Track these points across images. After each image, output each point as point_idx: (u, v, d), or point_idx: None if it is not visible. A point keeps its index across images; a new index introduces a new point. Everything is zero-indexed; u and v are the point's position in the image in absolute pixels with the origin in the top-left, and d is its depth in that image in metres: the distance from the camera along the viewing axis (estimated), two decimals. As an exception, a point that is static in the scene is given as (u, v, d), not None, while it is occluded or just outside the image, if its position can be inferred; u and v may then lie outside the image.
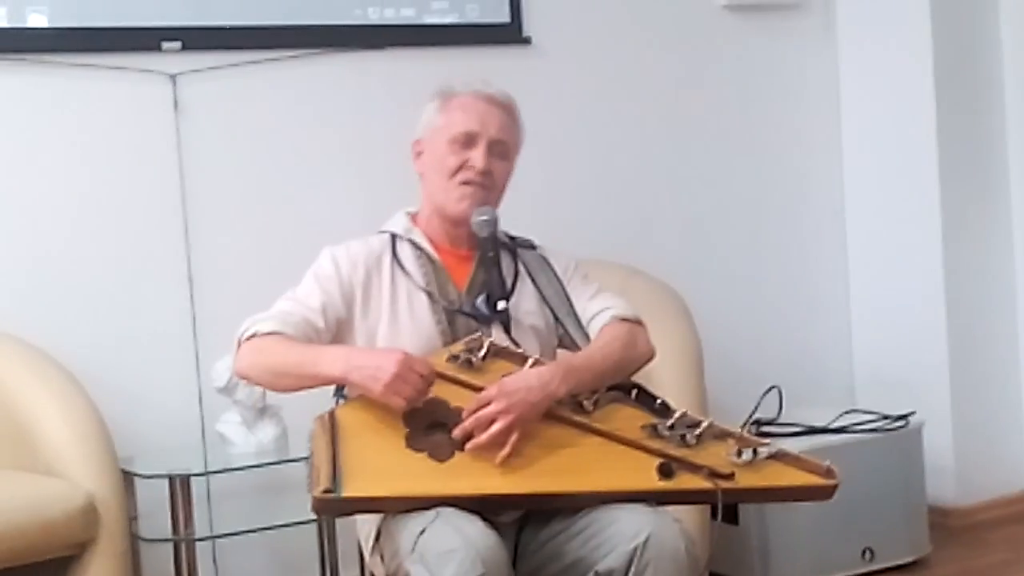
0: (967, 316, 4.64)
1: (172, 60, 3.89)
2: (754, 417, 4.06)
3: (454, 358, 2.77)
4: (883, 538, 4.12)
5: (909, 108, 4.64)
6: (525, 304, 2.93)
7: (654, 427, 2.75)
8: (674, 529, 2.64)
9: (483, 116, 2.92)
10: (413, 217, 3.00)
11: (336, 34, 4.10)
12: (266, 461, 3.70)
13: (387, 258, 2.92)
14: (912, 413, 4.25)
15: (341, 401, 2.85)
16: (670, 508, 2.73)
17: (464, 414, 2.70)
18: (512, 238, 3.01)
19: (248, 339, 2.83)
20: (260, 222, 4.03)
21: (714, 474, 2.68)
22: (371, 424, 2.70)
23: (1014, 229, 4.73)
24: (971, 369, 4.65)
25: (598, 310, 2.94)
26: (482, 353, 2.76)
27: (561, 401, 2.74)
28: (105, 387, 3.64)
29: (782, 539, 4.01)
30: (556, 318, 2.93)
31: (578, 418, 2.75)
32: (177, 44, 3.89)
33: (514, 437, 2.67)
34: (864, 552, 4.11)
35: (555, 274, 2.97)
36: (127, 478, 3.53)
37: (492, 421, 2.67)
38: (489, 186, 2.91)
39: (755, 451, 2.73)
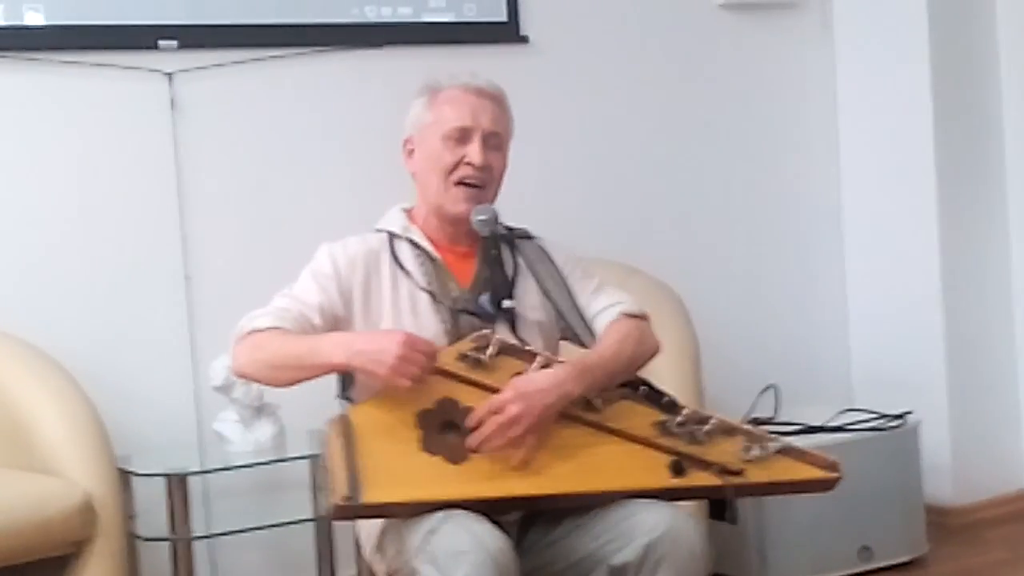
0: (964, 315, 4.65)
1: (169, 58, 3.89)
2: (752, 416, 4.07)
3: (463, 357, 2.74)
4: (881, 537, 4.12)
5: (906, 108, 4.64)
6: (528, 299, 2.90)
7: (664, 424, 2.75)
8: (690, 525, 2.65)
9: (475, 109, 2.88)
10: (409, 213, 2.96)
11: (333, 32, 4.10)
12: (263, 460, 3.69)
13: (386, 257, 2.88)
14: (909, 412, 4.25)
15: (345, 403, 2.83)
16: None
17: (477, 417, 2.66)
18: (510, 229, 2.97)
19: (246, 336, 2.79)
20: (257, 220, 4.02)
21: (725, 471, 2.70)
22: (385, 426, 2.67)
23: (1011, 228, 4.73)
24: (968, 368, 4.65)
25: (604, 306, 2.92)
26: (491, 351, 2.73)
27: (573, 400, 2.73)
28: (102, 385, 3.63)
29: (780, 538, 4.01)
30: (559, 312, 2.91)
31: (590, 417, 2.74)
32: (174, 42, 3.89)
33: (531, 440, 2.65)
34: (862, 551, 4.11)
35: (555, 266, 2.94)
36: (124, 477, 3.52)
37: (509, 425, 2.65)
38: (487, 181, 2.88)
39: (763, 446, 2.75)
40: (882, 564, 4.14)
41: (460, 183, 2.86)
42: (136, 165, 3.89)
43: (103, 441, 3.42)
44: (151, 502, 3.61)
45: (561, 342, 2.97)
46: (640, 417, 2.77)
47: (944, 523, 4.51)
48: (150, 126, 3.89)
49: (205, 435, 3.88)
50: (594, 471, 2.69)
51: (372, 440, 2.65)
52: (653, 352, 2.91)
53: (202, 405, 3.89)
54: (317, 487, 3.72)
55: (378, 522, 2.79)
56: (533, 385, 2.68)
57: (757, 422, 4.07)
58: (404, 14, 4.18)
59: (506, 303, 2.84)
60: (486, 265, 2.89)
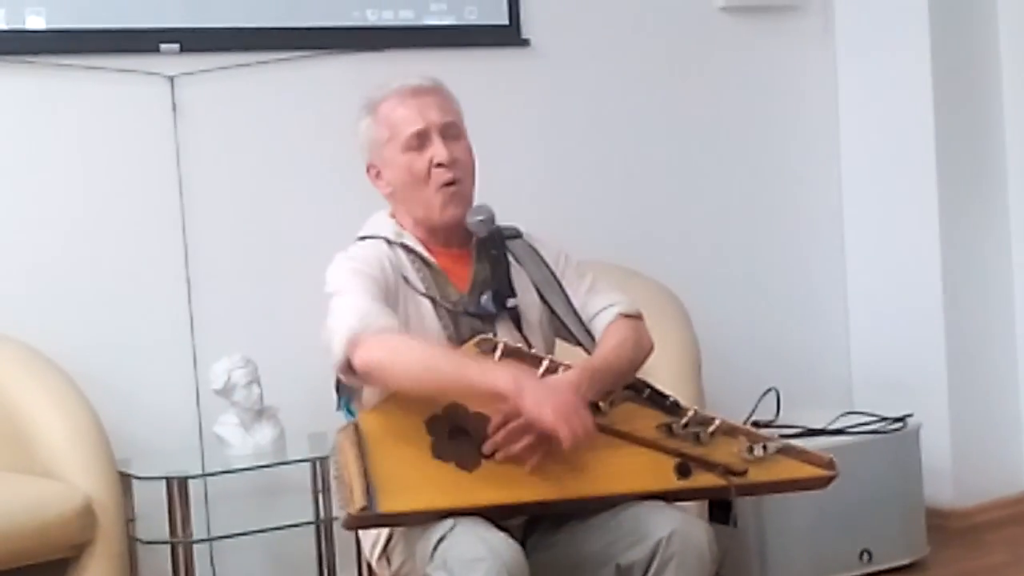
0: (965, 318, 4.65)
1: (170, 62, 3.89)
2: (752, 419, 4.07)
3: None
4: (881, 540, 4.12)
5: (907, 110, 4.64)
6: (525, 298, 2.89)
7: (669, 427, 2.76)
8: (700, 526, 2.67)
9: (420, 109, 2.85)
10: (397, 219, 2.92)
11: (335, 36, 4.10)
12: (264, 463, 3.69)
13: (395, 263, 2.85)
14: (910, 415, 4.25)
15: (348, 415, 2.81)
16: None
17: (491, 427, 2.64)
18: (500, 228, 2.94)
19: (371, 335, 2.63)
20: (258, 224, 4.02)
21: (729, 471, 2.72)
22: (395, 433, 2.66)
23: (1012, 231, 4.73)
24: (969, 371, 4.65)
25: (601, 307, 2.91)
26: (497, 355, 2.72)
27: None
28: (103, 389, 3.63)
29: (780, 541, 4.01)
30: (554, 312, 2.90)
31: (598, 420, 2.73)
32: (175, 46, 3.89)
33: (543, 444, 2.63)
34: (862, 554, 4.11)
35: (546, 264, 2.93)
36: (124, 480, 3.53)
37: (524, 431, 2.63)
38: (463, 175, 2.86)
39: (765, 447, 2.77)
40: (882, 567, 4.14)
41: (441, 187, 2.83)
42: (138, 168, 3.90)
43: (103, 444, 3.42)
44: (151, 505, 3.62)
45: (558, 341, 2.97)
46: (644, 420, 2.77)
47: (944, 526, 4.51)
48: (152, 129, 3.90)
49: (205, 438, 3.88)
50: (602, 475, 2.70)
51: (384, 448, 2.64)
52: (649, 351, 2.91)
53: (202, 408, 3.89)
54: (318, 491, 3.73)
55: (383, 529, 2.78)
56: (548, 391, 2.63)
57: (758, 425, 4.07)
58: (405, 18, 4.19)
59: (510, 302, 2.84)
60: (485, 265, 2.88)
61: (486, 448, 2.65)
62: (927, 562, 4.24)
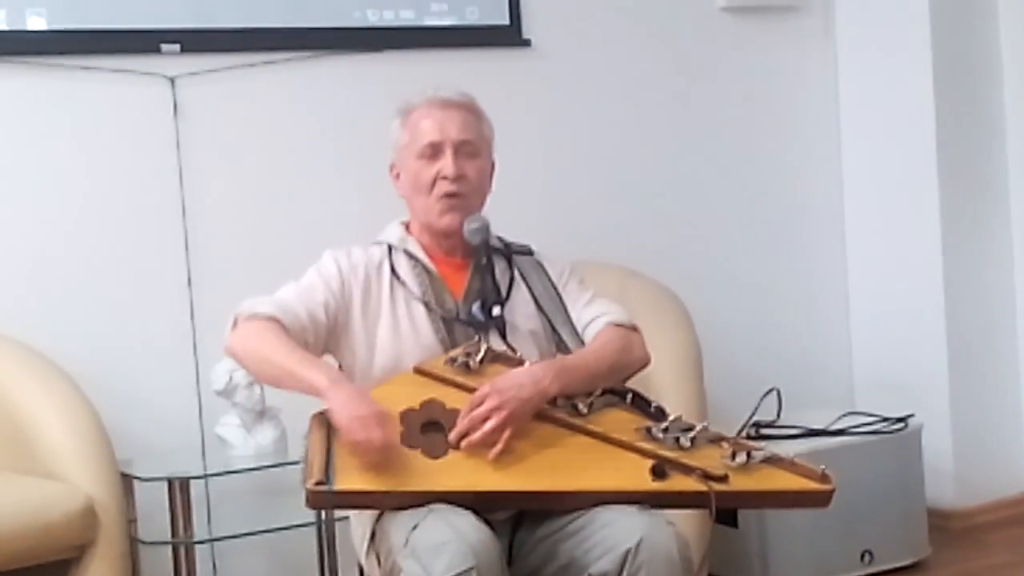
0: (966, 318, 4.64)
1: (171, 62, 3.89)
2: (754, 419, 4.07)
3: (452, 361, 2.80)
4: (882, 540, 4.12)
5: (908, 111, 4.64)
6: (521, 309, 2.95)
7: (648, 430, 2.75)
8: (667, 532, 2.64)
9: (441, 122, 2.92)
10: (407, 226, 3.02)
11: (335, 37, 4.10)
12: (265, 464, 3.69)
13: (385, 268, 2.94)
14: (911, 415, 4.25)
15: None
16: (667, 512, 2.73)
17: (460, 417, 2.70)
18: (507, 244, 3.02)
19: (246, 318, 2.84)
20: (259, 225, 4.02)
21: (707, 476, 2.68)
22: None
23: (1013, 231, 4.73)
24: (970, 371, 4.65)
25: (593, 316, 2.95)
26: (479, 357, 2.79)
27: (556, 403, 2.76)
28: (104, 390, 3.63)
29: (781, 541, 4.00)
30: (551, 325, 2.94)
31: (573, 420, 2.76)
32: (176, 46, 3.89)
33: (507, 434, 2.68)
34: (863, 555, 4.11)
35: (550, 279, 2.99)
36: (126, 481, 3.53)
37: (486, 419, 2.68)
38: (467, 191, 2.92)
39: (749, 454, 2.72)
40: (884, 567, 4.14)
41: (442, 197, 2.91)
42: (139, 169, 3.90)
43: (105, 445, 3.43)
44: (153, 506, 3.62)
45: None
46: (625, 422, 2.78)
47: (946, 526, 4.51)
48: (153, 130, 3.90)
49: (207, 439, 3.88)
50: (574, 471, 2.70)
51: None
52: (640, 363, 2.94)
53: (204, 409, 3.89)
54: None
55: (369, 525, 2.81)
56: (509, 381, 2.72)
57: (759, 426, 4.08)
58: (406, 18, 4.19)
59: (495, 311, 2.88)
60: (477, 273, 2.93)
61: (451, 436, 2.68)
62: (928, 563, 4.23)
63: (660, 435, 2.74)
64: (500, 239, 3.01)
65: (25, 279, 3.77)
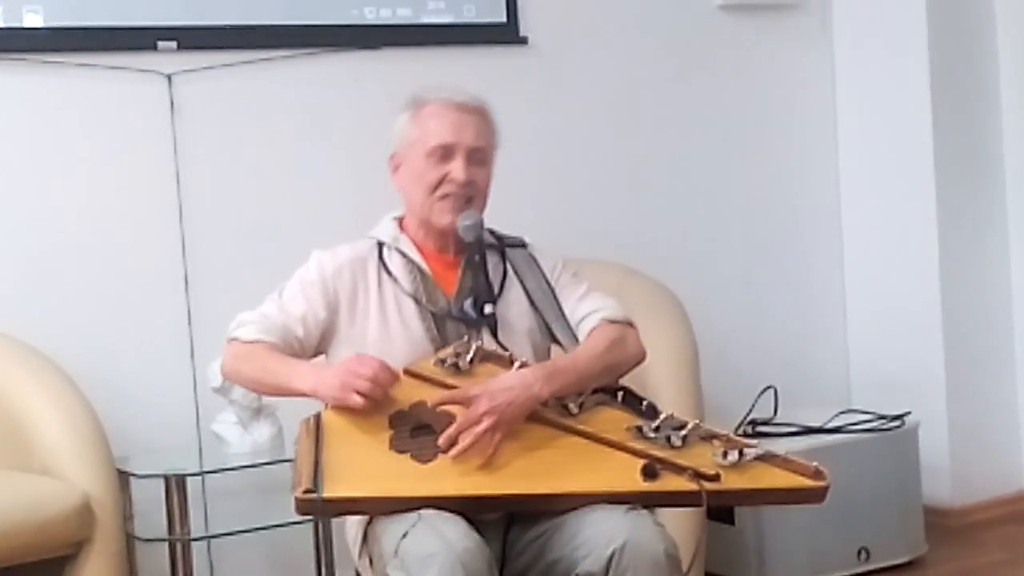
0: (963, 316, 4.65)
1: (168, 60, 3.89)
2: (750, 417, 4.07)
3: (441, 362, 2.78)
4: (879, 538, 4.13)
5: (905, 109, 4.64)
6: (515, 306, 2.93)
7: (639, 429, 2.74)
8: (653, 533, 2.61)
9: (457, 126, 2.89)
10: (400, 223, 2.99)
11: (332, 34, 4.10)
12: (262, 461, 3.69)
13: (373, 263, 2.92)
14: (908, 413, 4.25)
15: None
16: (660, 510, 2.73)
17: (447, 418, 2.68)
18: (500, 238, 2.99)
19: (230, 342, 2.88)
20: (256, 222, 4.02)
21: (698, 475, 2.66)
22: (357, 427, 2.70)
23: (1010, 230, 4.74)
24: (967, 369, 4.65)
25: (587, 312, 2.93)
26: (469, 357, 2.77)
27: (546, 403, 2.74)
28: (101, 387, 3.64)
29: (778, 539, 4.01)
30: (544, 321, 2.92)
31: (563, 420, 2.74)
32: (173, 44, 3.89)
33: (497, 438, 2.66)
34: (860, 552, 4.11)
35: (543, 274, 2.97)
36: (123, 478, 3.53)
37: (475, 422, 2.66)
38: (472, 196, 2.90)
39: (741, 452, 2.70)
40: (880, 565, 4.14)
41: (444, 196, 2.88)
42: (135, 166, 3.89)
43: (102, 442, 3.43)
44: (149, 503, 3.61)
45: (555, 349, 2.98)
46: (616, 422, 2.76)
47: (942, 524, 4.51)
48: (149, 127, 3.90)
49: (204, 436, 3.88)
50: (564, 473, 2.68)
51: (341, 438, 2.68)
52: (636, 359, 2.91)
53: (201, 406, 3.89)
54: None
55: (361, 528, 2.80)
56: (500, 384, 2.70)
57: (756, 423, 4.08)
58: (403, 15, 4.19)
59: (487, 308, 2.86)
60: (469, 270, 2.91)
61: (441, 441, 2.67)
62: (925, 560, 4.24)
63: (651, 434, 2.72)
64: (492, 232, 2.99)
65: (21, 276, 3.77)
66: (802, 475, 2.72)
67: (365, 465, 2.66)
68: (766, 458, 2.73)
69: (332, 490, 2.60)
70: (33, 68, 3.77)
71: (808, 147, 4.86)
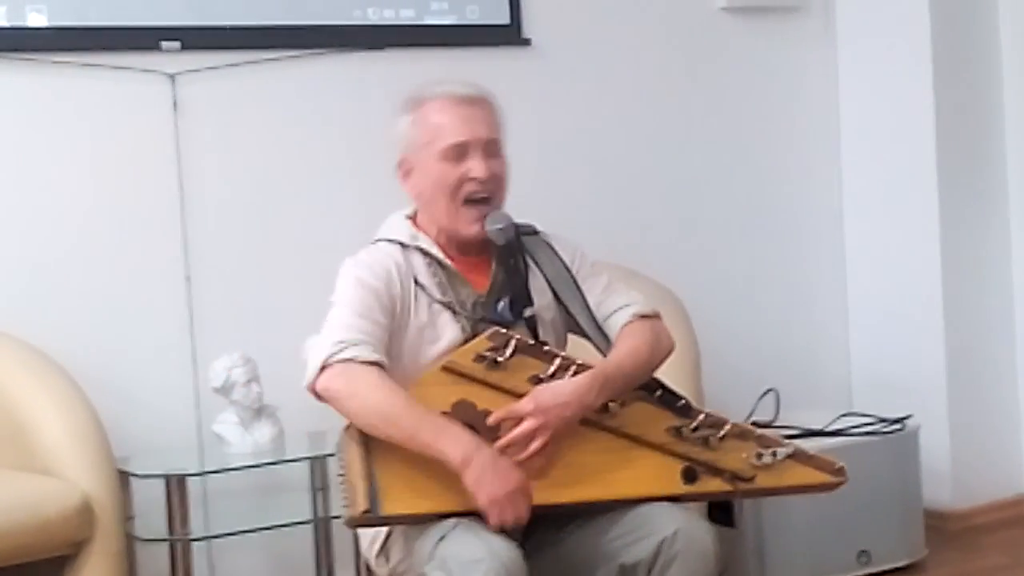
0: (964, 319, 4.65)
1: (171, 60, 3.89)
2: (751, 420, 4.07)
3: (480, 358, 2.71)
4: (879, 541, 4.12)
5: (908, 111, 4.64)
6: (539, 298, 2.87)
7: (678, 430, 2.76)
8: (703, 526, 2.67)
9: (467, 121, 2.80)
10: (413, 220, 2.90)
11: (336, 34, 4.10)
12: (262, 461, 3.69)
13: (406, 268, 2.82)
14: (909, 416, 4.25)
15: None
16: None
17: (497, 424, 2.65)
18: (516, 226, 2.90)
19: (344, 363, 2.65)
20: (258, 223, 4.02)
21: (736, 477, 2.72)
22: None
23: (1012, 232, 4.73)
24: (968, 373, 4.65)
25: (617, 307, 2.89)
26: (508, 351, 2.71)
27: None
28: (102, 387, 3.64)
29: (778, 542, 4.01)
30: (568, 312, 2.88)
31: (607, 422, 2.74)
32: (176, 44, 3.89)
33: (548, 449, 2.65)
34: (860, 555, 4.11)
35: (563, 263, 2.90)
36: (123, 478, 3.53)
37: (529, 438, 2.64)
38: (494, 191, 2.83)
39: (775, 453, 2.75)
40: (881, 568, 4.14)
41: (468, 201, 2.80)
42: (138, 166, 3.89)
43: (102, 442, 3.43)
44: (150, 503, 3.62)
45: (571, 336, 2.96)
46: (655, 421, 2.77)
47: (943, 527, 4.51)
48: (152, 127, 3.90)
49: (204, 437, 3.88)
50: (609, 479, 2.70)
51: (389, 446, 2.63)
52: (668, 351, 2.89)
53: (202, 407, 3.89)
54: (317, 490, 3.73)
55: (382, 529, 2.78)
56: (553, 399, 2.65)
57: (757, 426, 4.06)
58: (407, 16, 4.19)
59: (528, 311, 2.81)
60: (504, 273, 2.84)
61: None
62: (925, 564, 4.24)
63: (690, 435, 2.75)
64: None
65: (23, 276, 3.77)
66: (825, 471, 2.81)
67: (417, 477, 2.62)
68: (796, 456, 2.80)
69: (388, 508, 2.59)
70: (36, 68, 3.77)
71: (810, 149, 4.85)
